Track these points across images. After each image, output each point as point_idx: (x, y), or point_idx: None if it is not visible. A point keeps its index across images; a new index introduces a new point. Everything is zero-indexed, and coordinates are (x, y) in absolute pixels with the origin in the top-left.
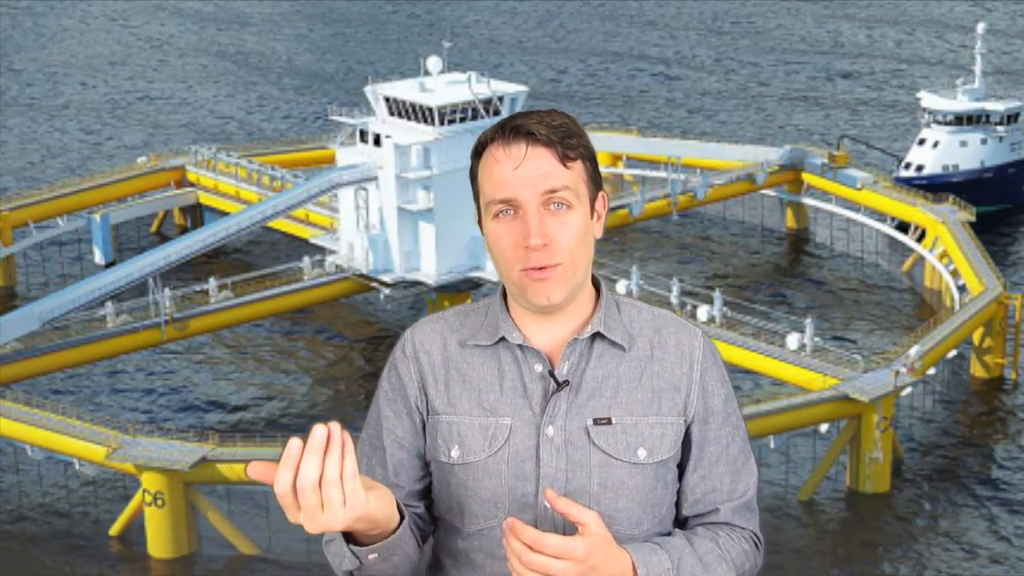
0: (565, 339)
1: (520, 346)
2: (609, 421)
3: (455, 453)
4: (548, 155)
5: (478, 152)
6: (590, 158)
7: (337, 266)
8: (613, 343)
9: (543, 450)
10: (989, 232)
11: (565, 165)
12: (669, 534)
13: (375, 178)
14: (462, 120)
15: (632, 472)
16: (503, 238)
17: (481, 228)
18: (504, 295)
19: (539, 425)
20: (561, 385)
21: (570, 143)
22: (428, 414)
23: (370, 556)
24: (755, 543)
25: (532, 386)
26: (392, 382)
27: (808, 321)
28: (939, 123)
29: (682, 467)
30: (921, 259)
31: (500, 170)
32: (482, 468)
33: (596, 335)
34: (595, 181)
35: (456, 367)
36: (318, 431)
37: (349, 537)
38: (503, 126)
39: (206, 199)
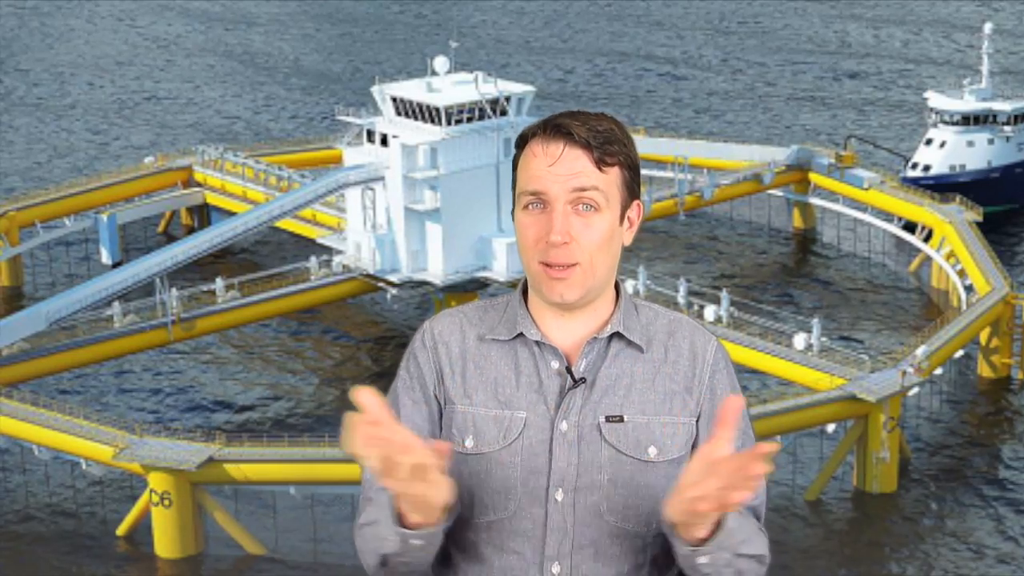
0: (583, 337)
1: (537, 342)
2: (621, 419)
3: (469, 443)
4: (583, 157)
5: (520, 143)
6: (630, 167)
7: (344, 266)
8: (630, 343)
9: (556, 445)
10: (996, 232)
11: (600, 169)
12: None
13: (382, 178)
14: (469, 120)
15: (642, 469)
16: (529, 229)
17: (514, 218)
18: (524, 292)
19: (553, 420)
20: (578, 382)
21: (609, 149)
22: (444, 404)
23: (413, 541)
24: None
25: (548, 382)
26: (411, 371)
27: (815, 321)
28: (946, 123)
29: None
30: (928, 259)
31: (536, 164)
32: (495, 459)
33: (614, 335)
34: (631, 189)
35: (473, 360)
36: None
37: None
38: (547, 123)
39: (213, 199)
